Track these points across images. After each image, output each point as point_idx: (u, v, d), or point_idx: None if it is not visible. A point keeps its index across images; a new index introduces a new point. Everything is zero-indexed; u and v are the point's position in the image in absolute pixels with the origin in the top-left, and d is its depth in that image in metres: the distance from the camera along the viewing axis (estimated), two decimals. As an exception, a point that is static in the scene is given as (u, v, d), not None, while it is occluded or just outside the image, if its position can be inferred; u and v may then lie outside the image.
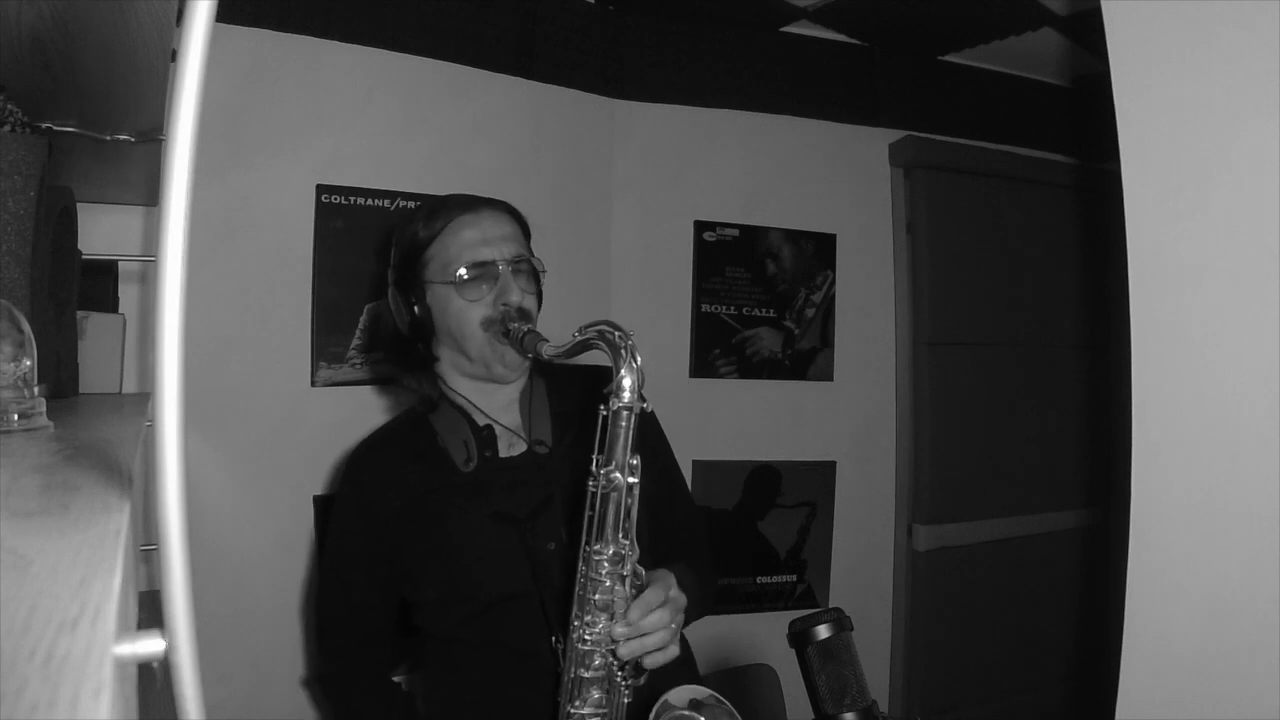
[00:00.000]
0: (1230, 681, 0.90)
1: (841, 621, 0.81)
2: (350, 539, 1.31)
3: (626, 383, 1.04)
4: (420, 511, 1.24)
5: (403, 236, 1.30)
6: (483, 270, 1.23)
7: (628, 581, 1.07)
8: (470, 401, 1.30)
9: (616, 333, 1.05)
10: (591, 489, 1.06)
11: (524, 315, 1.22)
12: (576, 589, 1.08)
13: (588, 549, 1.06)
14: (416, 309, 1.27)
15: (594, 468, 1.06)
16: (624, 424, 1.04)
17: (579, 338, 1.09)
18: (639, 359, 1.04)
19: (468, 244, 1.24)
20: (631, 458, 1.05)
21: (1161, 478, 0.97)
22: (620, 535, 1.05)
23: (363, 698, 1.34)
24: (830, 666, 0.79)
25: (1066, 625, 2.78)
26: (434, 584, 1.25)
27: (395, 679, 1.43)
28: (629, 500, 1.05)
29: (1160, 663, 0.96)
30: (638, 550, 1.07)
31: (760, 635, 2.29)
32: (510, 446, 1.30)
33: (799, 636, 0.80)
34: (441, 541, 1.24)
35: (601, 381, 1.35)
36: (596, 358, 1.12)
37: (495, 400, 1.31)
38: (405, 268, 1.29)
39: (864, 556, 2.61)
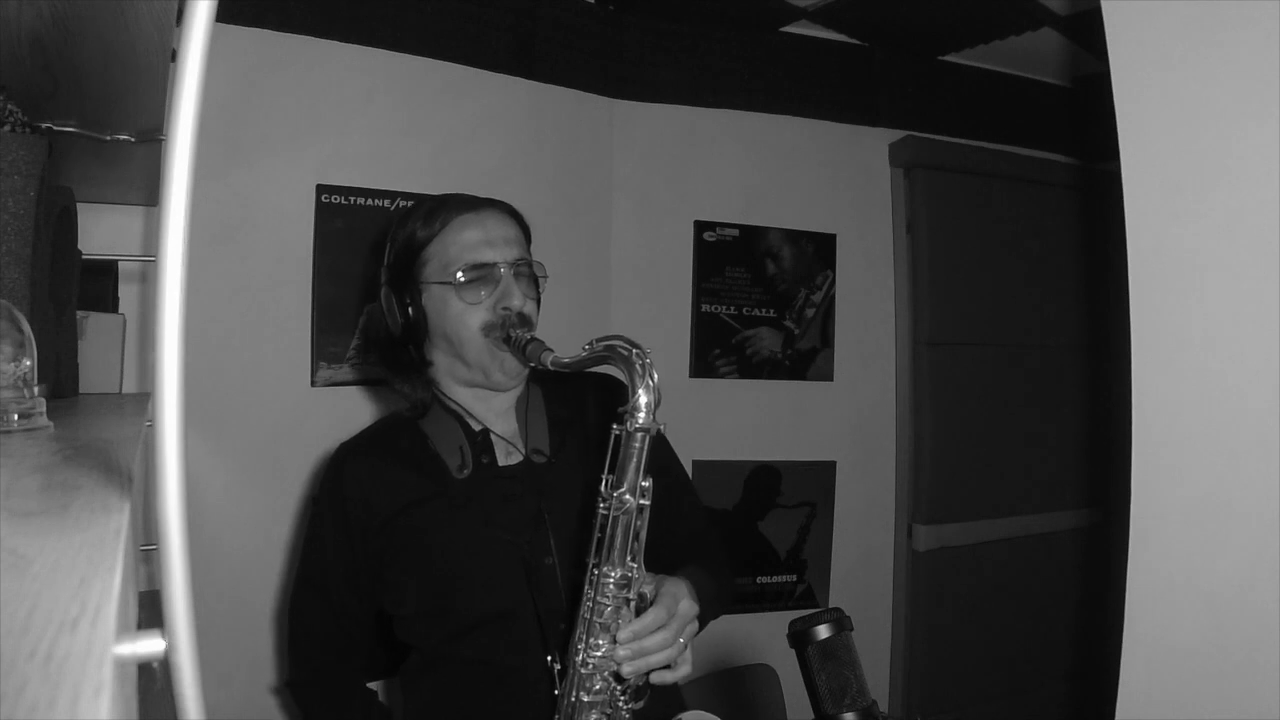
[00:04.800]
0: (1230, 681, 0.90)
1: (841, 621, 0.80)
2: (329, 545, 1.25)
3: (643, 402, 1.00)
4: (409, 520, 1.20)
5: (399, 234, 1.25)
6: (483, 272, 1.19)
7: (632, 604, 1.04)
8: (464, 408, 1.26)
9: (634, 349, 1.01)
10: (602, 511, 1.03)
11: (524, 321, 1.19)
12: (581, 611, 1.05)
13: (596, 572, 1.03)
14: (411, 310, 1.22)
15: (603, 488, 1.03)
16: (638, 445, 1.01)
17: (590, 352, 1.05)
18: (655, 377, 1.01)
19: (469, 245, 1.20)
20: (643, 480, 1.02)
21: (1161, 478, 0.97)
22: (629, 558, 1.03)
23: (336, 707, 1.30)
24: (830, 666, 0.79)
25: (1066, 625, 2.78)
26: (418, 597, 1.21)
27: (371, 687, 1.38)
28: (639, 522, 1.03)
29: (1160, 663, 0.96)
30: (645, 573, 1.05)
31: (760, 635, 2.29)
32: (508, 455, 1.26)
33: (799, 636, 0.80)
34: (431, 552, 1.20)
35: (600, 387, 1.33)
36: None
37: (491, 406, 1.27)
38: (400, 267, 1.24)
39: (864, 556, 2.61)
